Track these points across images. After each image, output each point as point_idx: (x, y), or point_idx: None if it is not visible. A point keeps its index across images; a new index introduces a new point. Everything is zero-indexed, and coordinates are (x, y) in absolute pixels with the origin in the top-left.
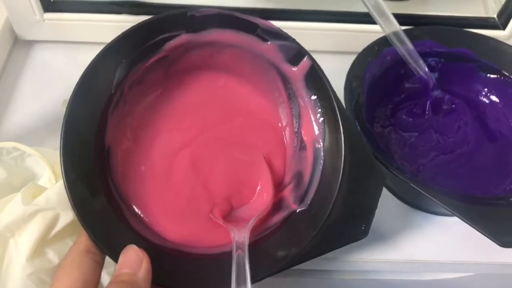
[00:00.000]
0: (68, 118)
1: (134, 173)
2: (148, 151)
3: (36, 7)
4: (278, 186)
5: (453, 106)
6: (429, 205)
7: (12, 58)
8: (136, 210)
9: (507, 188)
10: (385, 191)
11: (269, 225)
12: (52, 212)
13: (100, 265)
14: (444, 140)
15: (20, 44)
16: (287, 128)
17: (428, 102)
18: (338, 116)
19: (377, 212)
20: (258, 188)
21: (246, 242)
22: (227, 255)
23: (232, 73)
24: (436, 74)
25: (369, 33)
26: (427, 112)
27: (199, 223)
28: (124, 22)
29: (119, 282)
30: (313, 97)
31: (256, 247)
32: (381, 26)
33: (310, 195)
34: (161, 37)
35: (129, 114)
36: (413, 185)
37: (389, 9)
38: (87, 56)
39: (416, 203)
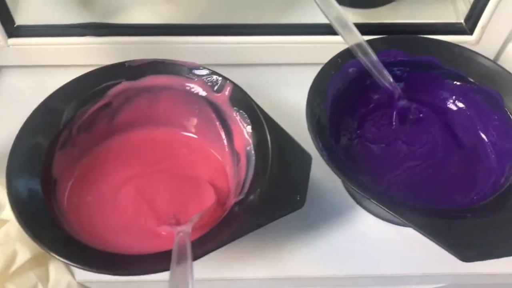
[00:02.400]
0: (15, 145)
1: (81, 202)
2: (95, 185)
3: (0, 33)
4: (223, 201)
5: (421, 115)
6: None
7: None
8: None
9: (474, 198)
10: (353, 204)
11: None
12: (11, 247)
13: None
14: (412, 150)
15: None
16: (226, 154)
17: (394, 112)
18: (262, 119)
19: (345, 225)
20: (203, 204)
21: (189, 227)
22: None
23: (171, 125)
24: (402, 84)
25: (335, 44)
26: (394, 123)
27: (144, 238)
28: (89, 44)
29: None
30: (240, 112)
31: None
32: (343, 38)
33: (246, 186)
34: (104, 84)
35: (77, 157)
36: (373, 201)
37: (354, 19)
38: (55, 79)
39: (383, 215)
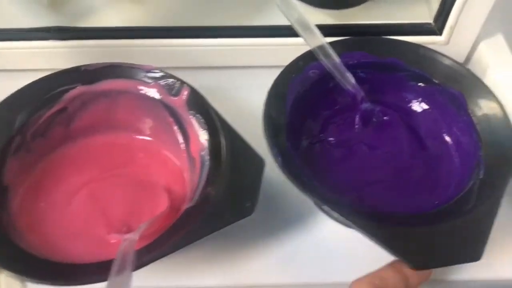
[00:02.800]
0: None
1: (34, 209)
2: (50, 191)
3: None
4: (180, 208)
5: (385, 118)
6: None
7: None
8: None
9: (436, 202)
10: (315, 209)
11: None
12: None
13: None
14: (375, 154)
15: None
16: (183, 159)
17: (357, 115)
18: (217, 124)
19: (305, 230)
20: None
21: (136, 235)
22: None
23: (129, 129)
24: (366, 86)
25: (297, 46)
26: (356, 126)
27: (95, 245)
28: (52, 48)
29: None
30: (196, 116)
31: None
32: (305, 40)
33: (198, 192)
34: (59, 89)
35: (32, 163)
36: (323, 206)
37: (325, 20)
38: (18, 83)
39: (344, 222)
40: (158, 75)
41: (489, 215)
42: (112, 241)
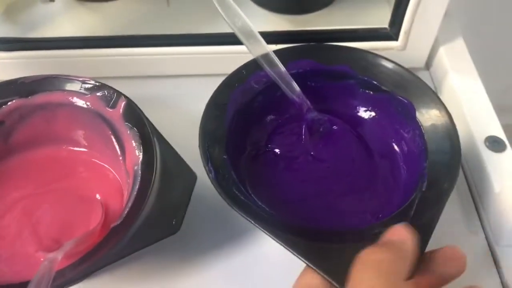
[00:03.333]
0: None
1: None
2: None
3: None
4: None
5: (334, 127)
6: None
7: None
8: None
9: (380, 216)
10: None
11: None
12: None
13: None
14: (321, 166)
15: None
16: (122, 173)
17: (304, 126)
18: (151, 137)
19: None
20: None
21: (58, 254)
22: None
23: (69, 142)
24: (315, 95)
25: (242, 54)
26: (303, 137)
27: (22, 264)
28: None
29: (387, 245)
30: (132, 129)
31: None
32: (248, 49)
33: (125, 211)
34: None
35: None
36: (252, 222)
37: (283, 26)
38: None
39: None
40: (94, 86)
41: (426, 229)
42: (42, 259)
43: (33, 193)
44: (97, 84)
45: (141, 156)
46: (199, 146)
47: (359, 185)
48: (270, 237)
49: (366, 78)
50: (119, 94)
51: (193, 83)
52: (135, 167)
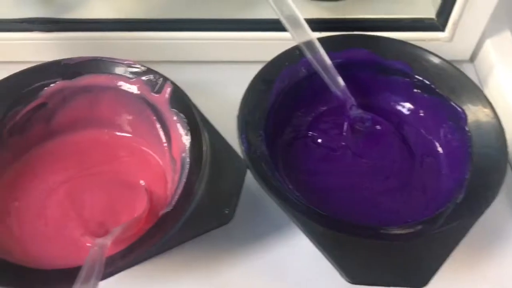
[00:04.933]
0: None
1: (7, 209)
2: (26, 190)
3: None
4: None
5: (377, 127)
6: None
7: None
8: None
9: (409, 220)
10: None
11: None
12: None
13: None
14: (360, 162)
15: None
16: (166, 159)
17: (346, 122)
18: (199, 124)
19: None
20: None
21: (108, 240)
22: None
23: (111, 126)
24: (360, 88)
25: (284, 40)
26: (344, 133)
27: (69, 248)
28: (36, 40)
29: None
30: (179, 115)
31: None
32: (293, 37)
33: (175, 198)
34: (38, 83)
35: (10, 161)
36: (272, 197)
37: (317, 14)
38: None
39: None
40: (140, 70)
41: (451, 241)
42: (87, 244)
43: (76, 176)
44: (143, 68)
45: (188, 143)
46: (237, 116)
47: (396, 185)
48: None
49: (422, 79)
50: (165, 79)
51: (233, 70)
52: (183, 154)
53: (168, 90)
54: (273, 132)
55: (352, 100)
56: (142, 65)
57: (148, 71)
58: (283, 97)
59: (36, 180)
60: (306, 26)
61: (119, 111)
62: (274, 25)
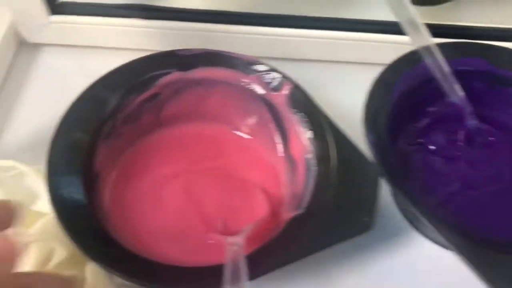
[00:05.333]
0: (58, 131)
1: (123, 199)
2: (138, 181)
3: (42, 9)
4: (277, 211)
5: (492, 139)
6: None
7: (17, 62)
8: (121, 232)
9: None
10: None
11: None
12: (48, 245)
13: None
14: (474, 173)
15: (25, 48)
16: (279, 159)
17: (462, 132)
18: (324, 125)
19: (398, 250)
20: (254, 213)
21: (242, 238)
22: (218, 268)
23: (221, 121)
24: (477, 98)
25: (402, 44)
26: (459, 143)
27: (191, 244)
28: (134, 26)
29: None
30: (299, 115)
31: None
32: (412, 40)
33: (305, 201)
34: (153, 73)
35: (120, 150)
36: (417, 214)
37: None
38: (96, 61)
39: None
40: (259, 67)
41: None
42: (209, 241)
43: (188, 170)
44: (262, 65)
45: (312, 144)
46: (362, 121)
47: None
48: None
49: None
50: (285, 77)
51: (343, 70)
52: (306, 156)
53: (287, 88)
54: (390, 137)
55: (470, 109)
56: (260, 61)
57: (268, 68)
58: (402, 101)
59: (147, 173)
60: (425, 30)
61: (230, 106)
62: (387, 27)
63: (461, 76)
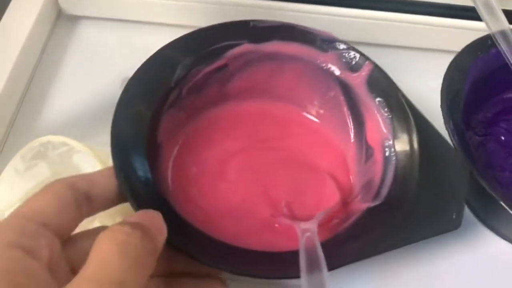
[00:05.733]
0: (122, 99)
1: (186, 173)
2: (200, 154)
3: None
4: (345, 200)
5: None
6: None
7: (55, 34)
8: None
9: None
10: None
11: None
12: (111, 219)
13: (79, 209)
14: None
15: (64, 19)
16: (350, 145)
17: None
18: (408, 112)
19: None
20: (323, 200)
21: (315, 225)
22: (289, 254)
23: (290, 101)
24: None
25: (469, 30)
26: None
27: (257, 225)
28: (181, 1)
29: (140, 225)
30: (378, 99)
31: (325, 245)
32: (487, 24)
33: (384, 192)
34: (223, 43)
35: (183, 121)
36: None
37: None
38: (140, 37)
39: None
40: (338, 45)
41: None
42: (276, 225)
43: (252, 148)
44: (341, 43)
45: (393, 132)
46: (441, 107)
47: None
48: None
49: None
50: (365, 57)
51: (412, 56)
52: (386, 143)
53: (366, 69)
54: (465, 126)
55: None
56: (338, 38)
57: (348, 47)
58: (475, 88)
59: (210, 145)
60: (501, 14)
61: (302, 85)
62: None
63: None
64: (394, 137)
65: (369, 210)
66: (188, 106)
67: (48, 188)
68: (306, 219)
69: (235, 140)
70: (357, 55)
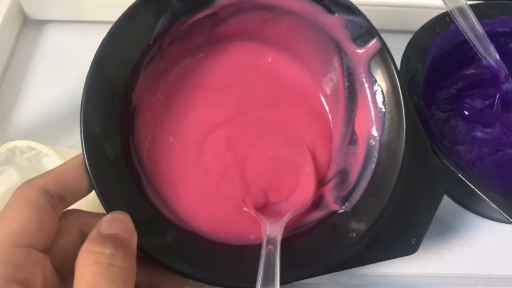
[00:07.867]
0: (97, 62)
1: (161, 143)
2: (180, 121)
3: None
4: (319, 181)
5: None
6: (485, 208)
7: (22, 40)
8: (156, 182)
9: None
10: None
11: (303, 223)
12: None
13: (56, 213)
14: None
15: (30, 24)
16: (337, 118)
17: (498, 95)
18: (403, 111)
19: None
20: (299, 184)
21: (279, 238)
22: (253, 249)
23: (282, 49)
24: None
25: (428, 9)
26: (495, 108)
27: (227, 210)
28: None
29: (118, 240)
30: (376, 86)
31: (286, 245)
32: (444, 2)
33: (356, 196)
34: None
35: (163, 73)
36: (464, 179)
37: None
38: (102, 36)
39: (470, 204)
40: (345, 8)
41: None
42: (245, 209)
43: (236, 120)
44: (349, 4)
45: (383, 130)
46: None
47: None
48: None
49: None
50: (374, 31)
51: None
52: (371, 140)
53: (373, 47)
54: (426, 104)
55: (505, 72)
56: (351, 4)
57: (354, 10)
58: (435, 66)
59: (190, 110)
60: None
61: (297, 45)
62: None
63: (496, 37)
64: (381, 137)
65: (338, 216)
66: (169, 55)
67: (20, 197)
68: (278, 207)
69: (219, 108)
70: (366, 28)
